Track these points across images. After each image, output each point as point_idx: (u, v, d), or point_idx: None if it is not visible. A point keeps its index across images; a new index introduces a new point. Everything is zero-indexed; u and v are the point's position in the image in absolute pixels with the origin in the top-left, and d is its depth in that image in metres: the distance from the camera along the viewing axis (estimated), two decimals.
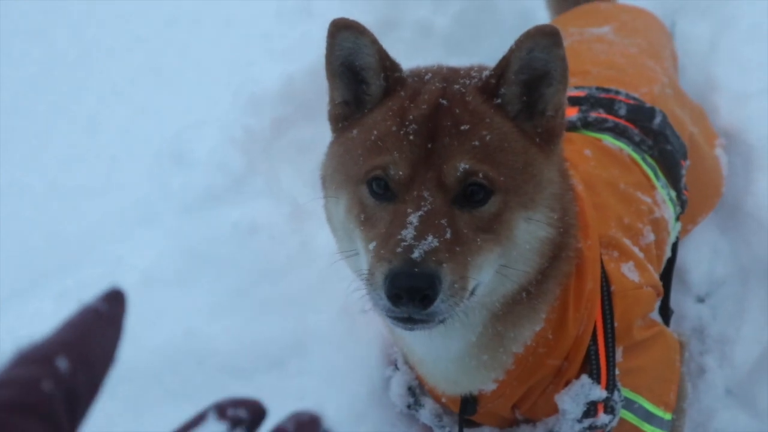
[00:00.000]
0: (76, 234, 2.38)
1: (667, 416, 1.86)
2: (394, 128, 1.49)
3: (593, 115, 2.19)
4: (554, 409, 1.80)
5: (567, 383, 1.78)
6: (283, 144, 2.64)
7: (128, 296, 0.65)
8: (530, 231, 1.51)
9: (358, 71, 1.59)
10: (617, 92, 2.26)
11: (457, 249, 1.40)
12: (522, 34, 1.49)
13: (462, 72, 1.61)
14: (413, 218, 1.40)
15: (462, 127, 1.46)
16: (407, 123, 1.48)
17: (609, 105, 2.22)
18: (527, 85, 1.54)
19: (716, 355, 2.32)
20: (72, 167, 2.55)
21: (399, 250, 1.37)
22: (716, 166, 2.49)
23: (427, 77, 1.59)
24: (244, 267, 2.29)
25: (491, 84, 1.52)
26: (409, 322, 1.43)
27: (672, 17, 3.17)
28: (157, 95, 2.75)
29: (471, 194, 1.45)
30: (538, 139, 1.54)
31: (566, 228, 1.63)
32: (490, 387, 1.77)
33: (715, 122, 2.64)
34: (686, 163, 2.25)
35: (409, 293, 1.36)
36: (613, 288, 1.82)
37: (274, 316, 2.24)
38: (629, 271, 1.88)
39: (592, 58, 2.49)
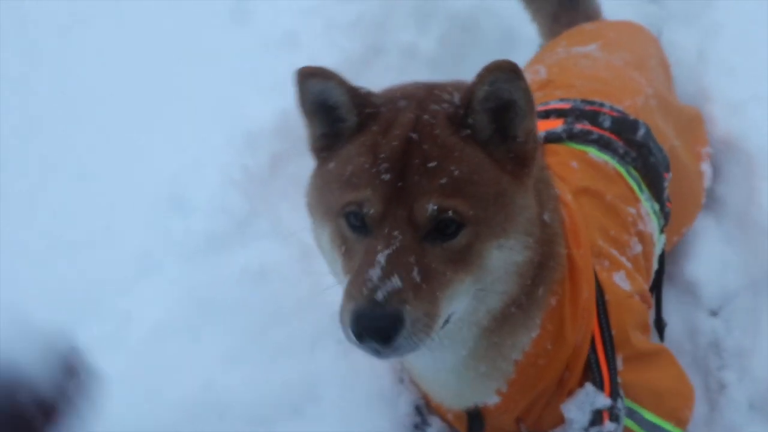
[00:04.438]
0: (80, 289, 2.33)
1: None
2: (366, 165, 1.53)
3: (578, 126, 2.21)
4: (559, 420, 1.82)
5: (569, 393, 1.81)
6: (281, 182, 2.62)
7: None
8: (504, 257, 1.54)
9: (331, 109, 1.63)
10: (601, 104, 2.28)
11: (424, 287, 1.46)
12: (483, 69, 1.52)
13: (436, 92, 1.61)
14: (381, 257, 1.46)
15: (430, 165, 1.49)
16: (379, 160, 1.52)
17: (593, 117, 2.24)
18: (495, 112, 1.55)
19: (735, 369, 2.31)
20: (68, 220, 2.49)
21: (364, 290, 1.44)
22: (698, 179, 2.52)
23: (400, 104, 1.60)
24: (255, 312, 2.27)
25: (459, 114, 1.54)
26: (378, 353, 1.49)
27: (657, 27, 3.19)
28: (149, 139, 2.71)
29: (442, 229, 1.49)
30: (510, 166, 1.56)
31: (550, 238, 1.65)
32: (493, 399, 1.78)
33: (712, 132, 2.65)
34: (668, 176, 2.27)
35: (371, 332, 1.43)
36: (607, 297, 1.84)
37: (287, 360, 2.22)
38: (621, 281, 1.92)
39: (577, 72, 2.52)
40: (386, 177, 1.50)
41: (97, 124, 2.78)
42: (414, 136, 1.52)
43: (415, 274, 1.46)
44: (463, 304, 1.55)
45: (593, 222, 1.98)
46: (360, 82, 3.21)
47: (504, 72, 1.50)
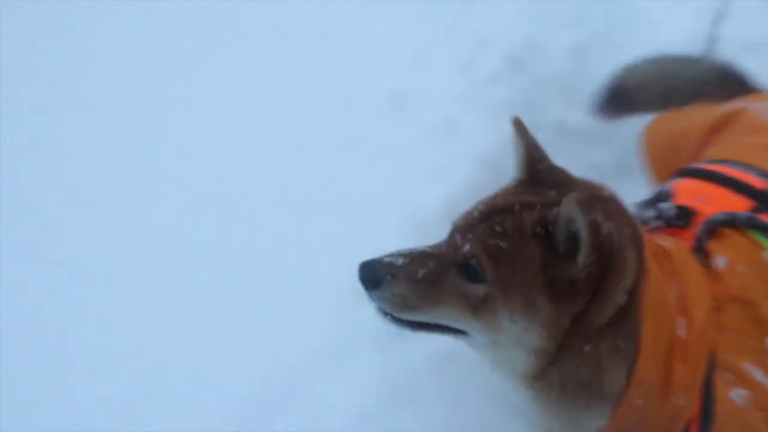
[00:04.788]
0: (278, 376, 2.52)
1: None
2: (480, 201, 1.86)
3: (763, 219, 2.13)
4: None
5: None
6: None
7: None
8: (517, 332, 1.76)
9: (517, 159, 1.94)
10: None
11: (420, 284, 1.78)
12: (568, 195, 1.71)
13: None
14: (419, 249, 1.83)
15: (497, 228, 1.75)
16: (486, 204, 1.83)
17: None
18: (571, 239, 1.72)
19: None
20: (264, 310, 2.70)
21: (384, 254, 1.83)
22: None
23: (549, 192, 1.83)
24: (446, 394, 2.40)
25: (546, 219, 1.75)
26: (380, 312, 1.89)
27: None
28: (328, 231, 2.90)
29: (471, 272, 1.76)
30: (554, 279, 1.74)
31: (588, 372, 1.80)
32: None
33: None
34: None
35: (360, 272, 1.86)
36: (717, 407, 1.91)
37: None
38: (737, 396, 1.94)
39: None
40: (475, 213, 1.82)
41: (280, 219, 3.00)
42: (517, 209, 1.77)
43: (422, 271, 1.78)
44: (468, 336, 1.83)
45: (729, 335, 1.98)
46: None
47: (576, 205, 1.68)
